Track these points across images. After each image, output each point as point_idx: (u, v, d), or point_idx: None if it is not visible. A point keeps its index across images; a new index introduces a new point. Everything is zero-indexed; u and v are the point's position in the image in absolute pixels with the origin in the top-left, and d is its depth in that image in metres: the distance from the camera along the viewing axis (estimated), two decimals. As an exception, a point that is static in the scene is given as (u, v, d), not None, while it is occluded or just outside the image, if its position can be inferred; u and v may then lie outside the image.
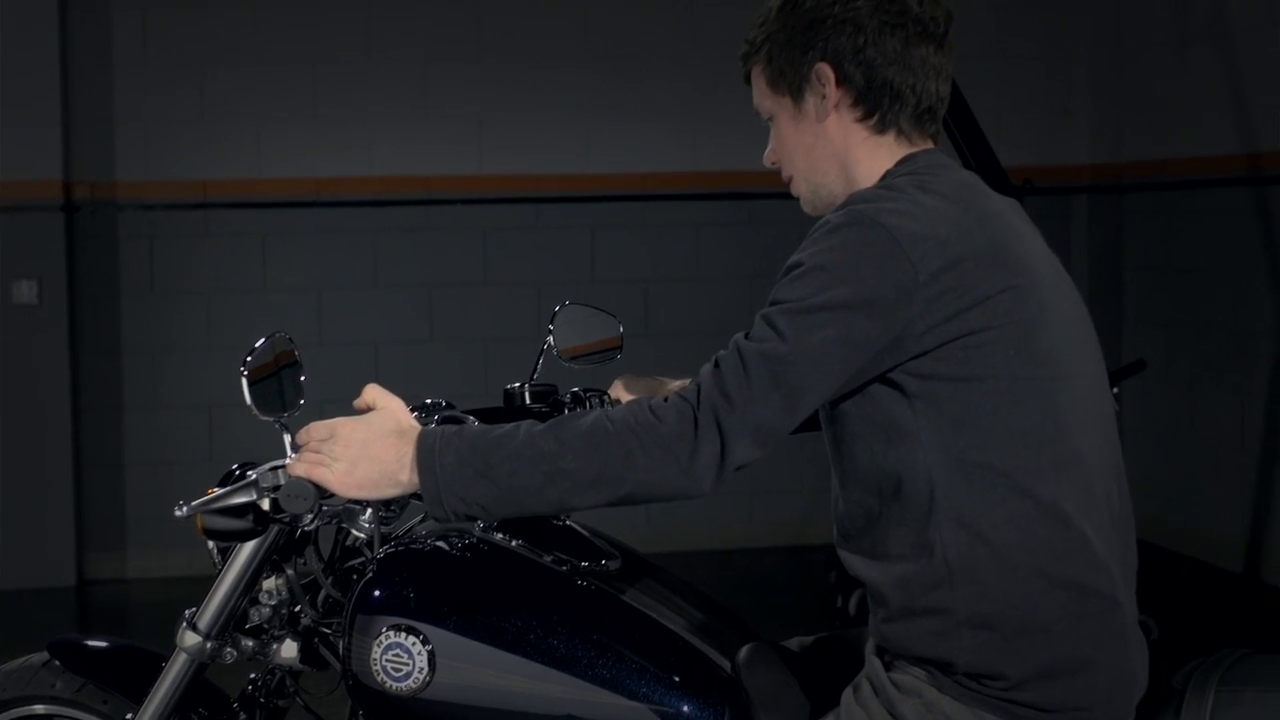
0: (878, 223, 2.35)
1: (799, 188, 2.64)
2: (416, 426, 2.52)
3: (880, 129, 2.57)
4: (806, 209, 2.66)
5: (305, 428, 2.57)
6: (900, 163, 2.55)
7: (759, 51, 2.61)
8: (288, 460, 2.61)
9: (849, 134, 2.57)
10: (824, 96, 2.55)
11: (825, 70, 2.54)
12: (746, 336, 2.38)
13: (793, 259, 2.40)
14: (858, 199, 2.44)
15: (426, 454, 2.45)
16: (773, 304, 2.38)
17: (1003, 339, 2.38)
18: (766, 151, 2.67)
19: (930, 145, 2.61)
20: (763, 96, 2.63)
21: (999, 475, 2.38)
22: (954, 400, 2.37)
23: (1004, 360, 2.38)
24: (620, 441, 2.38)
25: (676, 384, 3.16)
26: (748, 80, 2.68)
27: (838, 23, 2.52)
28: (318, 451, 2.52)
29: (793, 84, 2.57)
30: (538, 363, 3.08)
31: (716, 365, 2.39)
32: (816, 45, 2.54)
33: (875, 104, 2.55)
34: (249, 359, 2.68)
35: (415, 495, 2.55)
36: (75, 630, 6.76)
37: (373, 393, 2.59)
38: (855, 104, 2.55)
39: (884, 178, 2.54)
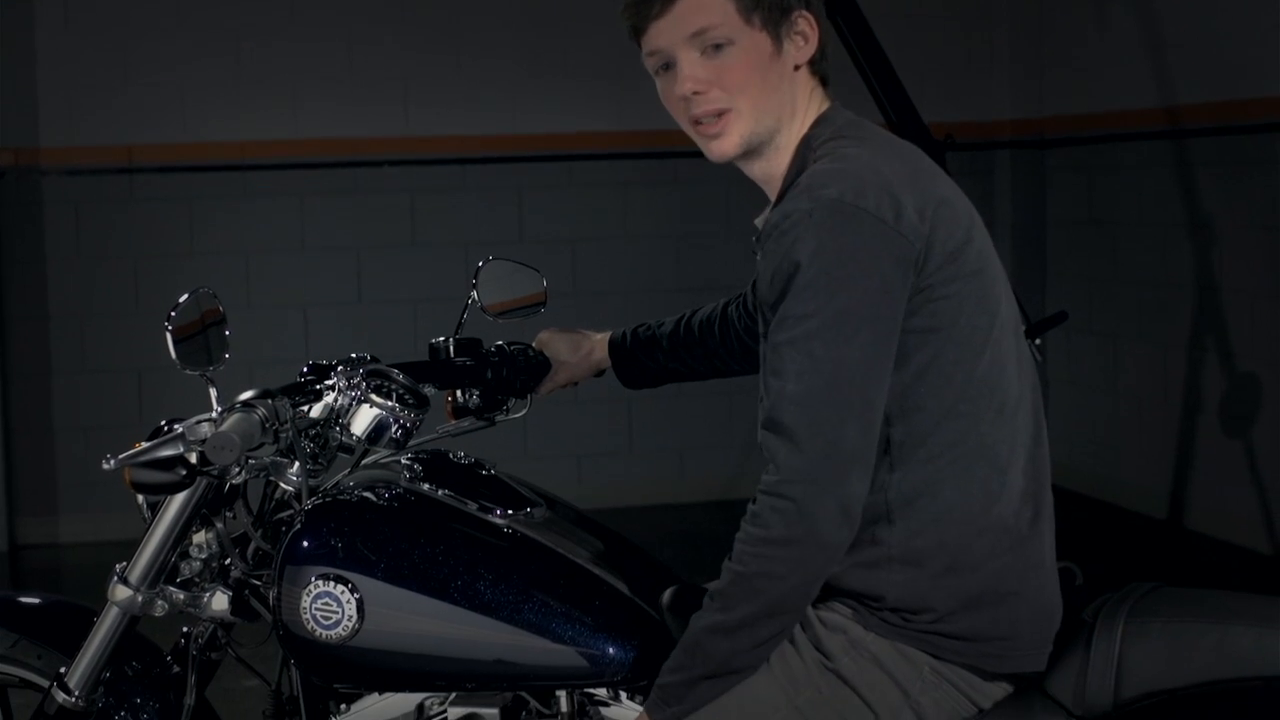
0: (858, 207, 2.36)
1: (738, 124, 2.53)
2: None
3: (823, 81, 2.61)
4: (724, 147, 2.55)
5: None
6: (823, 120, 2.58)
7: None
8: (215, 414, 2.66)
9: (807, 82, 2.59)
10: (803, 45, 2.55)
11: (811, 20, 2.55)
12: (780, 376, 2.37)
13: (780, 262, 2.38)
14: (818, 181, 2.41)
15: (659, 708, 2.49)
16: (787, 320, 2.37)
17: (966, 290, 2.43)
18: (687, 81, 2.53)
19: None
20: (722, 20, 2.51)
21: (952, 420, 2.44)
22: (921, 351, 2.42)
23: (967, 311, 2.43)
24: (755, 571, 2.38)
25: (600, 336, 3.21)
26: None
27: None
28: None
29: (773, 23, 2.52)
30: (462, 317, 3.11)
31: (777, 429, 2.37)
32: None
33: (822, 55, 2.59)
34: (173, 314, 2.71)
35: None
36: (7, 595, 6.75)
37: None
38: (815, 57, 2.58)
39: (814, 131, 2.55)
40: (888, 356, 2.38)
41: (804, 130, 2.57)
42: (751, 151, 2.57)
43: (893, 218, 2.37)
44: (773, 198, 2.59)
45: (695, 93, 2.53)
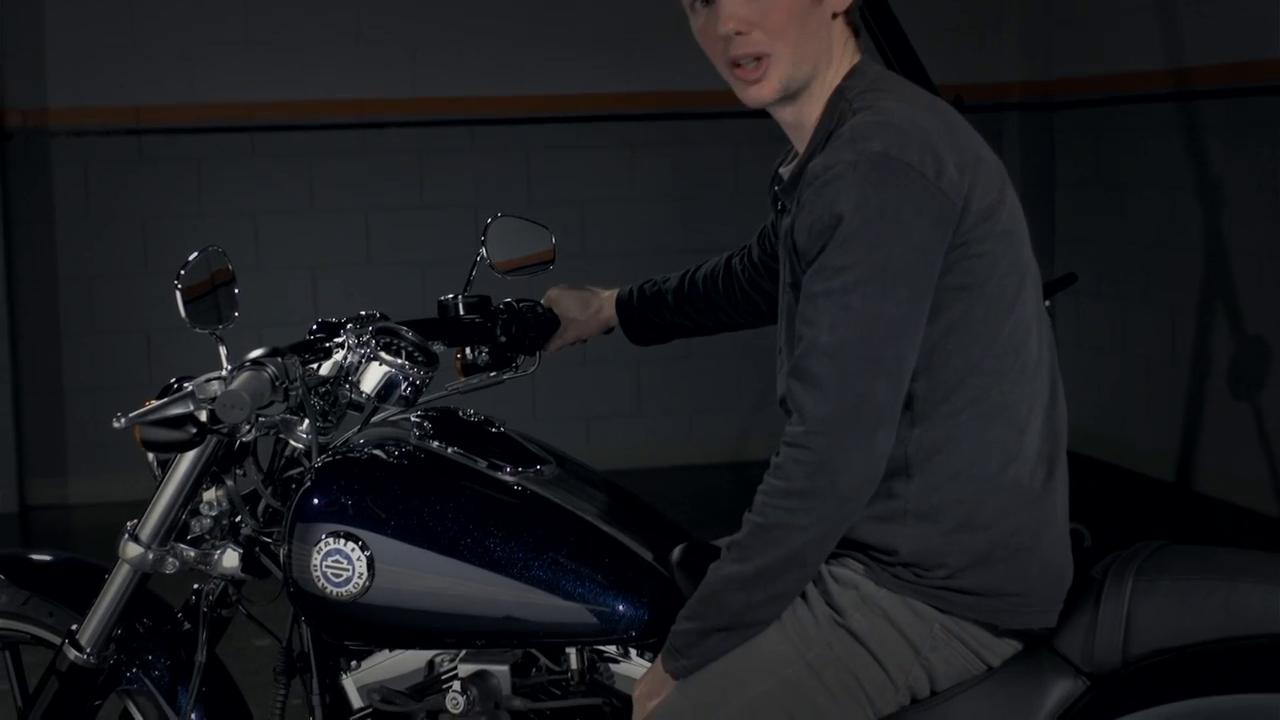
0: (903, 161, 2.35)
1: (776, 70, 2.50)
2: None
3: (856, 31, 2.59)
4: (762, 93, 2.52)
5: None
6: (856, 71, 2.56)
7: None
8: (225, 372, 2.67)
9: (843, 32, 2.56)
10: None
11: None
12: (814, 326, 2.36)
13: (822, 213, 2.36)
14: (862, 134, 2.40)
15: (673, 657, 2.50)
16: (825, 270, 2.36)
17: (999, 249, 2.43)
18: (730, 20, 2.47)
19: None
20: None
21: (976, 377, 2.44)
22: (952, 308, 2.42)
23: (999, 270, 2.43)
24: (774, 523, 2.39)
25: (608, 293, 3.20)
26: None
27: None
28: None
29: None
30: (471, 274, 3.10)
31: (806, 379, 2.37)
32: None
33: (857, 6, 2.56)
34: (182, 273, 2.71)
35: None
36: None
37: None
38: (852, 7, 2.56)
39: (848, 82, 2.53)
40: (922, 314, 2.38)
41: (837, 80, 2.55)
42: (786, 97, 2.54)
43: (934, 174, 2.36)
44: (800, 145, 2.57)
45: (737, 33, 2.48)
